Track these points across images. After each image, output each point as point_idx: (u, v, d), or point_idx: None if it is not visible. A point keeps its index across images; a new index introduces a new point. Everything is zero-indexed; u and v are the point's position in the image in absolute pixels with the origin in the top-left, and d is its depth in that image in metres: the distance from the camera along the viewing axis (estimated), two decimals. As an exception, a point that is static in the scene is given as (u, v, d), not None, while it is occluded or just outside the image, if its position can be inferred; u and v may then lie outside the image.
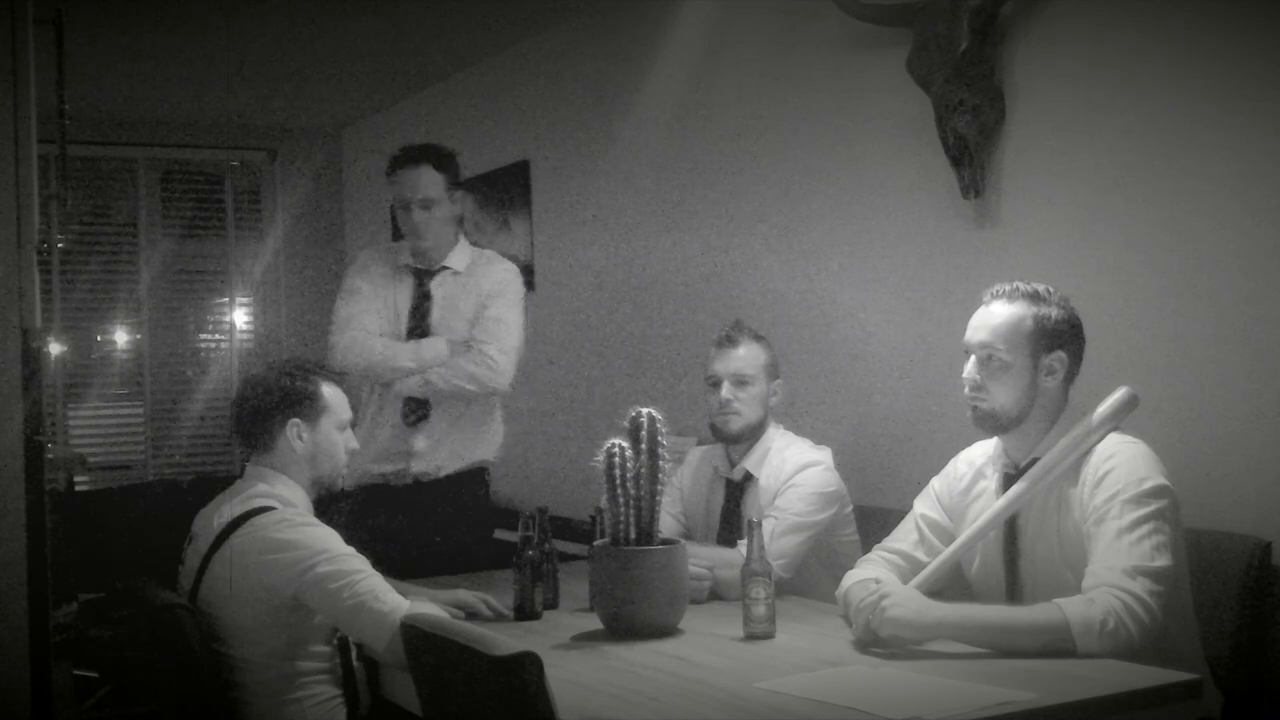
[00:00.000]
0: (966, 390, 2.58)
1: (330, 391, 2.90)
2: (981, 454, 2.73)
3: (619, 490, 2.71)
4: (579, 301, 5.19)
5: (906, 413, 3.67)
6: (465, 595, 2.94)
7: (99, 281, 6.78)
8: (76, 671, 4.45)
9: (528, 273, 5.52)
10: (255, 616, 2.67)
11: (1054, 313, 2.53)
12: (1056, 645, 2.28)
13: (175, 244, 6.95)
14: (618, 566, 2.69)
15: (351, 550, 2.68)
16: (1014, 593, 2.58)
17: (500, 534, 4.98)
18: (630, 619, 2.67)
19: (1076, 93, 3.18)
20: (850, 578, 2.64)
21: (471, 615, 2.86)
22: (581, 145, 5.13)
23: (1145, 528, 2.35)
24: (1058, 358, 2.52)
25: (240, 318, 7.17)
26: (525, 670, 1.96)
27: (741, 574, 2.65)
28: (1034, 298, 2.54)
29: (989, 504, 2.61)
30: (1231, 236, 2.86)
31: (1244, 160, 2.84)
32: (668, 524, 3.27)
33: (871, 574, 2.61)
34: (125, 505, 5.94)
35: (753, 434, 3.26)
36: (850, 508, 3.28)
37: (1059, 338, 2.53)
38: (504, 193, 5.68)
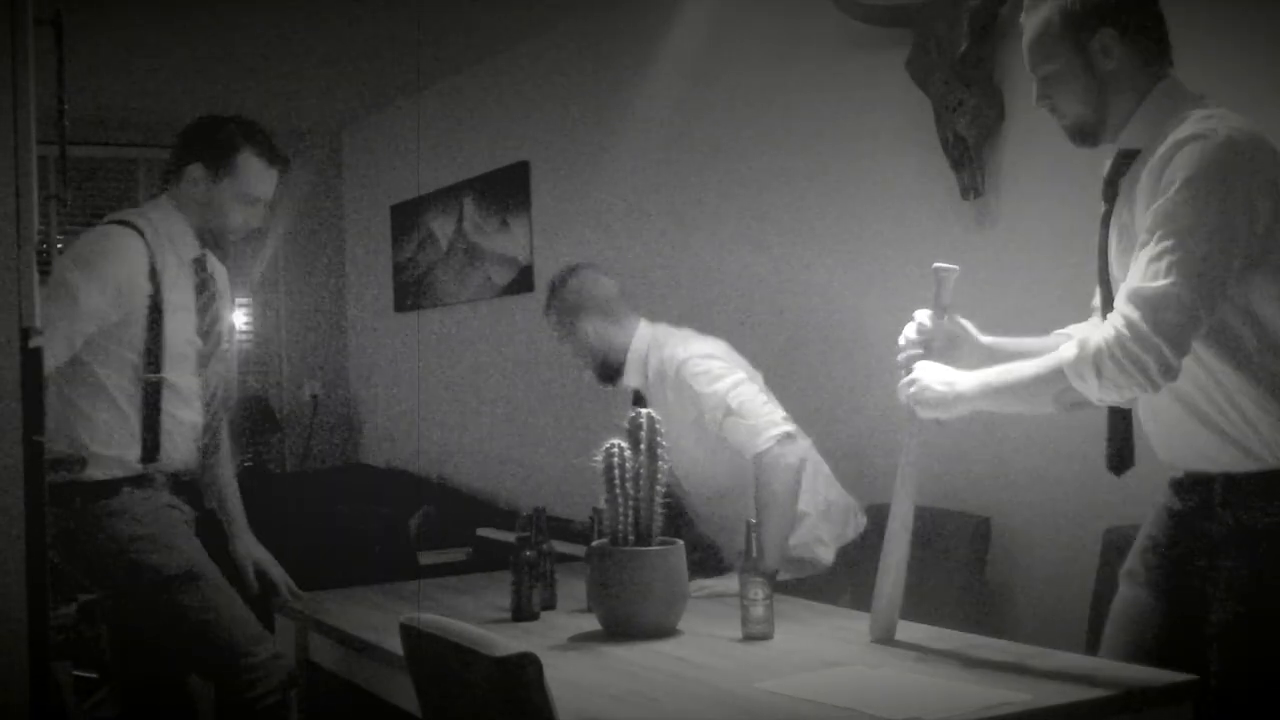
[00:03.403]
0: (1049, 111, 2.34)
1: None
2: None
3: (618, 490, 2.71)
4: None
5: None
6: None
7: (99, 282, 6.78)
8: (76, 672, 4.45)
9: (527, 273, 5.55)
10: None
11: None
12: (1061, 393, 2.14)
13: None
14: (616, 567, 2.69)
15: None
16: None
17: (497, 534, 5.01)
18: (628, 619, 2.67)
19: (1076, 93, 3.18)
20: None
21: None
22: (581, 145, 5.13)
23: (1165, 243, 2.02)
24: (1105, 36, 2.19)
25: (239, 318, 7.17)
26: (525, 671, 1.96)
27: (739, 574, 2.65)
28: None
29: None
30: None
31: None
32: None
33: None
34: (125, 505, 5.93)
35: (615, 364, 3.33)
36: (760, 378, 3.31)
37: (1094, 15, 2.19)
38: (504, 193, 5.68)
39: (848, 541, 3.33)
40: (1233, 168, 2.03)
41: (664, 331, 3.35)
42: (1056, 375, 2.11)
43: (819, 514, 3.28)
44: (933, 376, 2.38)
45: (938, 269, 2.55)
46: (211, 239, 3.08)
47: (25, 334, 1.92)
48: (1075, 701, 2.08)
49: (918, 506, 3.42)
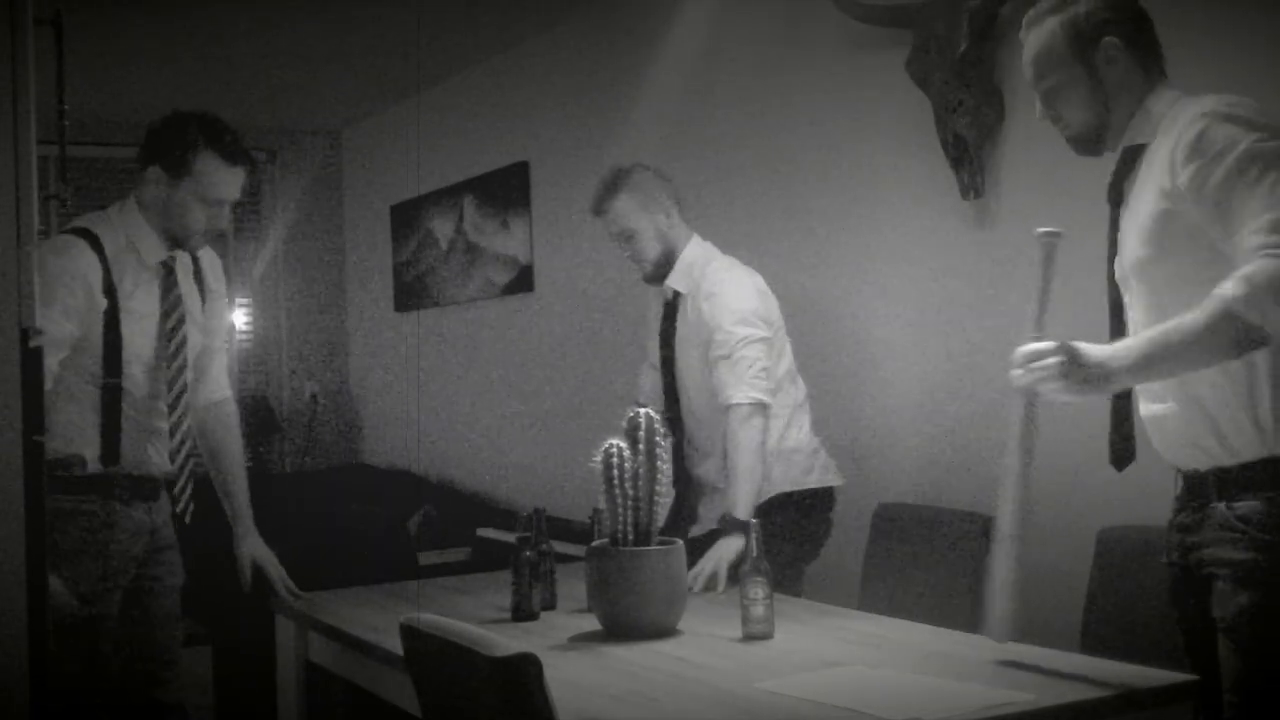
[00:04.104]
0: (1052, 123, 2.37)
1: None
2: None
3: (617, 491, 2.71)
4: (579, 301, 5.19)
5: (908, 412, 3.67)
6: None
7: (99, 282, 6.77)
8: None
9: (527, 273, 5.55)
10: None
11: (1083, 8, 2.26)
12: (1240, 335, 2.00)
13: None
14: (616, 567, 2.69)
15: None
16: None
17: (497, 534, 5.01)
18: (628, 619, 2.67)
19: (1076, 93, 3.18)
20: None
21: None
22: (581, 145, 5.13)
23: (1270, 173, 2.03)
24: (1108, 45, 2.24)
25: (240, 319, 7.16)
26: (525, 671, 1.96)
27: (740, 574, 2.65)
28: (1059, 4, 2.28)
29: None
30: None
31: (1243, 161, 2.83)
32: (646, 374, 3.57)
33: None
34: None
35: (667, 262, 3.40)
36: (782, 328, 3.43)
37: (1100, 26, 2.25)
38: (504, 193, 5.68)
39: (802, 488, 3.37)
40: (1256, 108, 2.09)
41: (715, 251, 3.46)
42: (1226, 319, 1.99)
43: (775, 454, 3.34)
44: (1074, 356, 2.10)
45: (1044, 235, 2.31)
46: (176, 241, 3.05)
47: (25, 334, 1.92)
48: (1075, 701, 2.08)
49: (919, 505, 3.43)
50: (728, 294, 3.31)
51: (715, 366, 3.26)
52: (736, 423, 3.19)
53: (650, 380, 3.59)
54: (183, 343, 3.06)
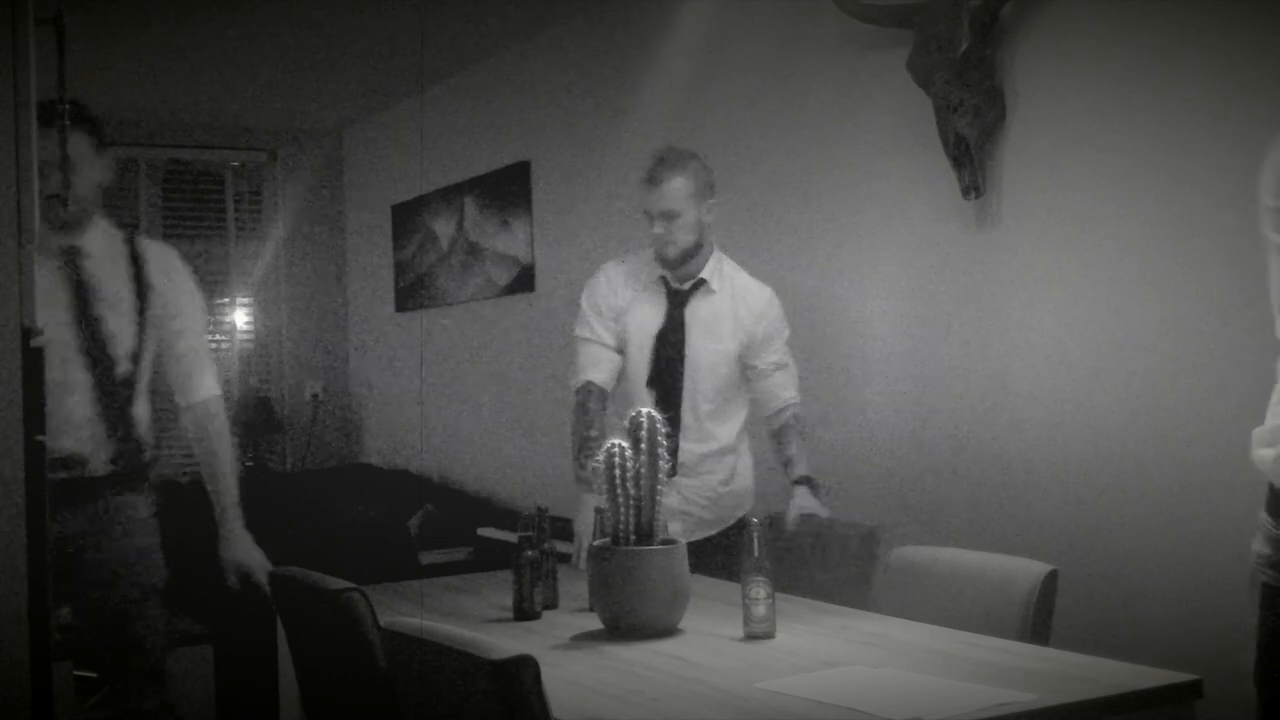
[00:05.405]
0: None
1: None
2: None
3: (619, 490, 2.71)
4: (579, 301, 5.18)
5: (906, 411, 3.67)
6: None
7: (99, 281, 6.77)
8: (76, 672, 4.45)
9: (528, 273, 5.55)
10: None
11: None
12: None
13: (175, 244, 6.93)
14: (617, 566, 2.69)
15: None
16: None
17: (498, 534, 5.01)
18: (630, 619, 2.67)
19: (1076, 93, 3.19)
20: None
21: None
22: (581, 145, 5.13)
23: None
24: None
25: (240, 318, 7.17)
26: (521, 675, 1.95)
27: (741, 573, 2.65)
28: None
29: None
30: (1231, 236, 2.86)
31: (1243, 160, 2.83)
32: (603, 360, 3.49)
33: None
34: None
35: (694, 253, 3.42)
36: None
37: None
38: (504, 193, 5.68)
39: None
40: None
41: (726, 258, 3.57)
42: None
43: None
44: None
45: None
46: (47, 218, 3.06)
47: (26, 334, 1.92)
48: (1075, 701, 2.08)
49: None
50: (775, 306, 3.48)
51: (776, 372, 3.46)
52: (800, 412, 3.46)
53: (609, 362, 3.53)
54: (96, 330, 3.02)
